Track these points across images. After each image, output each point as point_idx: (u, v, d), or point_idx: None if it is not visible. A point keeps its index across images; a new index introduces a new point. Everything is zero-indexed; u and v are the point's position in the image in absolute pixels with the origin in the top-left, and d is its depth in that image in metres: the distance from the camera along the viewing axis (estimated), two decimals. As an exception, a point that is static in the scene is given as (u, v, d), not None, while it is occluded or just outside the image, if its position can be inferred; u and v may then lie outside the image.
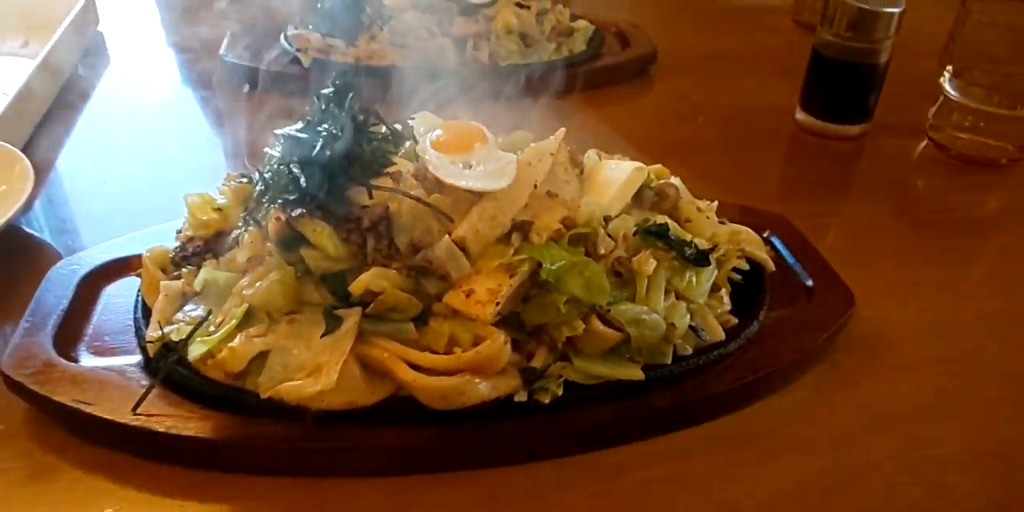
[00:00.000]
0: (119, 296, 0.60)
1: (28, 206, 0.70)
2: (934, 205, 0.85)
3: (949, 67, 0.89)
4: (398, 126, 0.58)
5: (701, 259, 0.55)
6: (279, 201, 0.51)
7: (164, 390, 0.51)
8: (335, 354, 0.48)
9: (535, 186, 0.53)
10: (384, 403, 0.49)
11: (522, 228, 0.51)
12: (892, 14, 0.86)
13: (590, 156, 0.61)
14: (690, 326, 0.54)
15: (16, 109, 0.81)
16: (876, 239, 0.77)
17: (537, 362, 0.51)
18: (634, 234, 0.54)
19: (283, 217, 0.50)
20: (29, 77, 0.86)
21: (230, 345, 0.48)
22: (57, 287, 0.59)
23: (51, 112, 0.92)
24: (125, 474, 0.49)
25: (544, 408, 0.50)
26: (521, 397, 0.50)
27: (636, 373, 0.51)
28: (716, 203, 0.64)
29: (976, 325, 0.65)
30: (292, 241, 0.51)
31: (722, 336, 0.56)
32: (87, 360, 0.54)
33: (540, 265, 0.50)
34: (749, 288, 0.61)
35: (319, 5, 0.98)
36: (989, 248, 0.77)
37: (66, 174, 0.82)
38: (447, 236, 0.50)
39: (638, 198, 0.59)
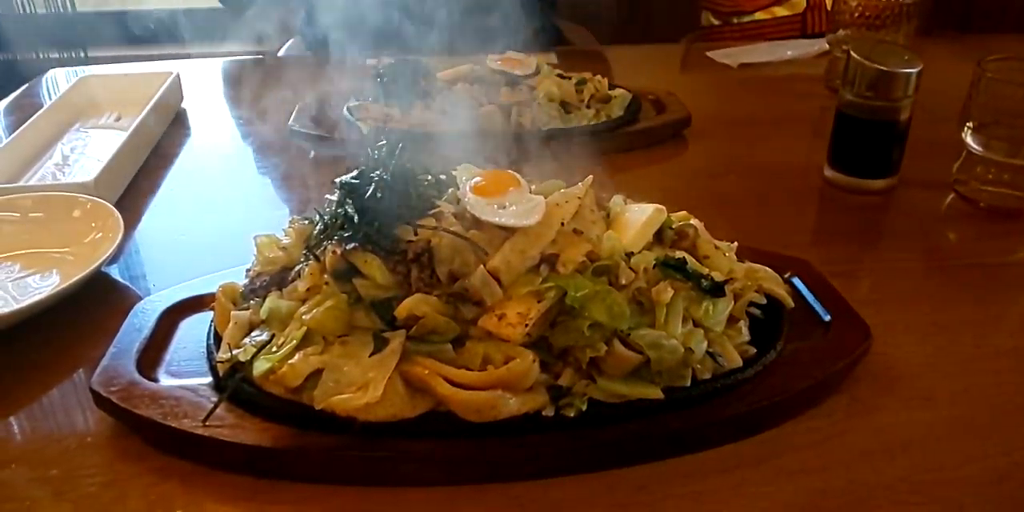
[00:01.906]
0: (194, 328, 0.67)
1: (117, 253, 0.79)
2: (960, 252, 0.88)
3: (970, 123, 0.93)
4: (443, 176, 0.65)
5: (716, 290, 0.59)
6: (335, 238, 0.58)
7: (231, 405, 0.57)
8: (381, 371, 0.54)
9: (562, 224, 0.59)
10: (424, 416, 0.54)
11: (550, 260, 0.57)
12: (910, 74, 0.91)
13: (615, 201, 0.67)
14: (708, 352, 0.58)
15: (109, 172, 0.92)
16: (900, 282, 0.80)
17: (564, 381, 0.55)
18: (653, 267, 0.59)
19: (339, 251, 0.57)
20: (121, 146, 0.97)
21: (290, 362, 0.55)
22: (140, 320, 0.67)
23: (141, 174, 1.03)
24: (194, 480, 0.55)
25: (570, 423, 0.54)
26: (548, 412, 0.54)
27: (655, 393, 0.56)
28: (735, 244, 0.69)
29: (995, 360, 0.67)
30: (346, 272, 0.57)
31: (739, 363, 0.60)
32: (165, 381, 0.61)
33: (566, 293, 0.55)
34: (769, 323, 0.65)
35: (379, 79, 1.09)
36: (1014, 291, 0.79)
37: (150, 227, 0.92)
38: (482, 267, 0.56)
39: (659, 237, 0.64)
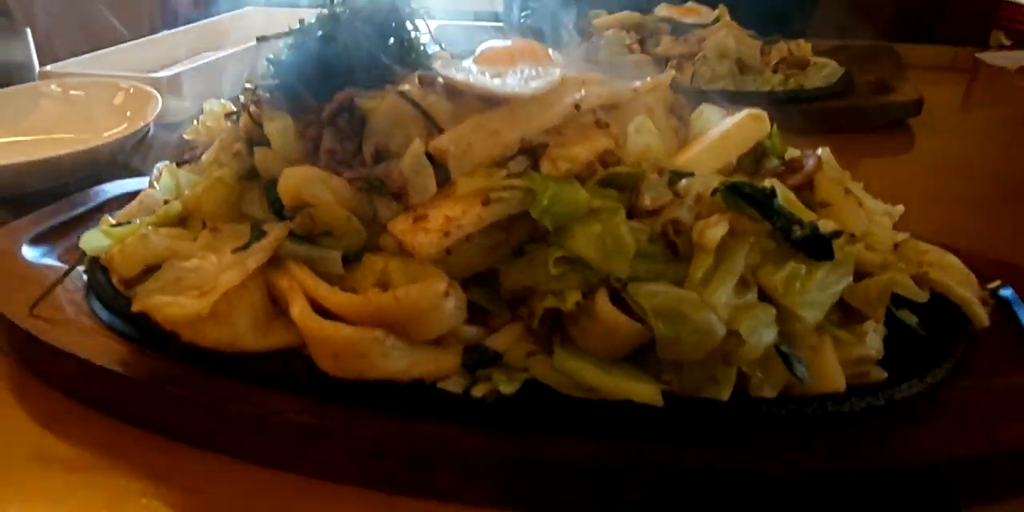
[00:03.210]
0: (138, 217, 0.53)
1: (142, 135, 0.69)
2: None
3: None
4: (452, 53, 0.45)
5: (816, 246, 0.33)
6: (256, 88, 0.41)
7: (85, 299, 0.42)
8: (236, 273, 0.35)
9: (577, 107, 0.37)
10: (277, 355, 0.35)
11: (533, 151, 0.35)
12: None
13: (709, 111, 0.43)
14: (780, 350, 0.33)
15: (191, 76, 0.84)
16: None
17: (497, 342, 0.33)
18: (713, 194, 0.35)
19: (248, 105, 0.40)
20: (219, 57, 0.90)
21: (126, 242, 0.38)
22: (84, 197, 0.54)
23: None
24: (6, 384, 0.40)
25: (485, 414, 0.32)
26: (451, 385, 0.32)
27: (648, 394, 0.31)
28: (900, 208, 0.42)
29: None
30: (259, 138, 0.40)
31: (841, 386, 0.33)
32: (49, 259, 0.47)
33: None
34: (934, 343, 0.37)
35: (522, 21, 0.92)
36: None
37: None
38: (418, 141, 0.35)
39: (752, 163, 0.39)
